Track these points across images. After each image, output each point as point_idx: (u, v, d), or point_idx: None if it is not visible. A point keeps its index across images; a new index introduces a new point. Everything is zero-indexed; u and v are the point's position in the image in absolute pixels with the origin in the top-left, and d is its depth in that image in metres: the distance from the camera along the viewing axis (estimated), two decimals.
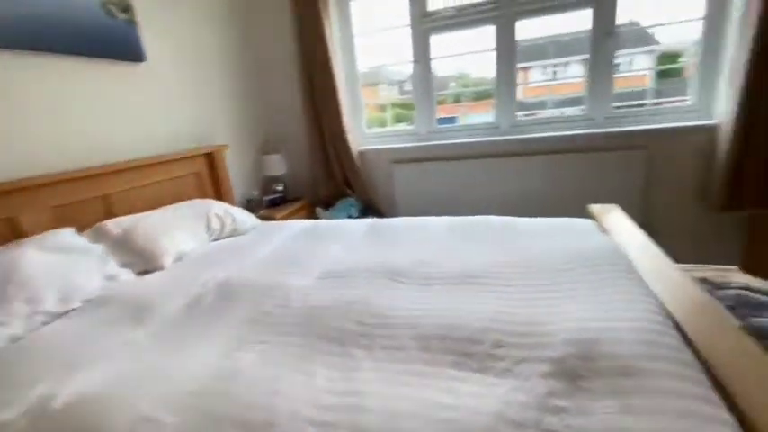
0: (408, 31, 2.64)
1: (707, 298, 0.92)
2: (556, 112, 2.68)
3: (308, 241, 1.59)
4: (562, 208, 2.43)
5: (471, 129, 2.74)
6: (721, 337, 0.74)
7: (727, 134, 2.02)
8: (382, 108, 3.18)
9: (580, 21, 2.37)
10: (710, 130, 2.14)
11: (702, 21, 2.16)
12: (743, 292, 1.10)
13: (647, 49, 2.61)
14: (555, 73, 2.84)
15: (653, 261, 1.11)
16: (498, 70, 2.56)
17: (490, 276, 1.08)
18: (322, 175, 2.89)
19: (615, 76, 2.38)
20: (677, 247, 2.30)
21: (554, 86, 2.93)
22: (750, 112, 1.93)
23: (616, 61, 2.38)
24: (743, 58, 1.90)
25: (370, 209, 2.83)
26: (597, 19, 2.30)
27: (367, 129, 3.00)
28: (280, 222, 1.94)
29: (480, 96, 2.87)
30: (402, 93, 3.25)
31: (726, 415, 0.55)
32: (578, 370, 0.67)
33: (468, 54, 2.73)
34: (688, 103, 2.31)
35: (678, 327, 0.76)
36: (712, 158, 2.15)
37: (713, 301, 0.91)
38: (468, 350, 0.78)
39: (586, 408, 0.60)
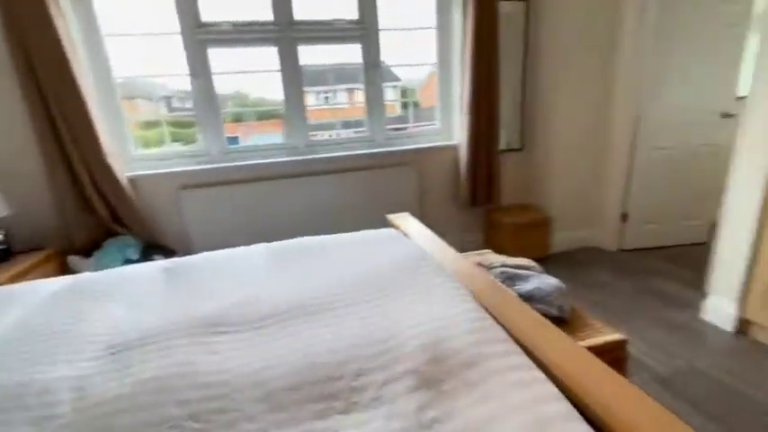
0: (178, 40, 2.32)
1: (492, 280, 1.17)
2: (343, 133, 2.91)
3: (70, 306, 1.13)
4: (359, 220, 2.67)
5: (266, 149, 2.65)
6: (512, 310, 0.95)
7: (464, 151, 2.69)
8: (148, 125, 2.66)
9: (353, 53, 2.67)
10: (454, 149, 2.81)
11: (436, 65, 2.81)
12: (503, 269, 1.46)
13: (392, 84, 3.19)
14: (327, 99, 3.09)
15: (448, 256, 1.35)
16: (287, 92, 2.57)
17: (327, 301, 1.04)
18: (75, 213, 2.17)
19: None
20: (447, 239, 2.90)
21: (338, 110, 3.18)
22: (475, 135, 2.63)
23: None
24: (466, 93, 2.57)
25: (154, 247, 2.31)
26: (365, 53, 2.65)
27: (135, 150, 2.44)
28: (7, 288, 1.31)
29: (263, 116, 2.83)
30: (171, 109, 2.81)
31: (541, 374, 0.70)
32: (436, 375, 0.72)
33: (251, 72, 2.64)
34: (437, 126, 2.96)
35: (486, 309, 0.94)
36: (458, 170, 2.82)
37: (497, 282, 1.17)
38: (329, 391, 0.72)
39: (453, 410, 0.64)
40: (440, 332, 0.84)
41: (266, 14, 2.44)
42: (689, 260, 2.59)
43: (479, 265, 1.53)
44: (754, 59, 1.79)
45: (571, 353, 0.77)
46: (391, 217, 1.91)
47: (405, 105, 3.17)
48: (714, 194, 2.36)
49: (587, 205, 2.93)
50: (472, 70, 2.50)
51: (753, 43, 2.45)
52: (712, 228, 2.25)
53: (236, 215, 2.49)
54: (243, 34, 2.43)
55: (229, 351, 0.88)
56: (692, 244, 2.84)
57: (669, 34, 2.47)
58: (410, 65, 2.94)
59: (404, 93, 3.27)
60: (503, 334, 0.82)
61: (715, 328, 1.89)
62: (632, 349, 1.76)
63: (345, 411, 0.68)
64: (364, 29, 2.60)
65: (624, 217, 2.82)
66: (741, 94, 2.53)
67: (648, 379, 1.59)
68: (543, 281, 1.37)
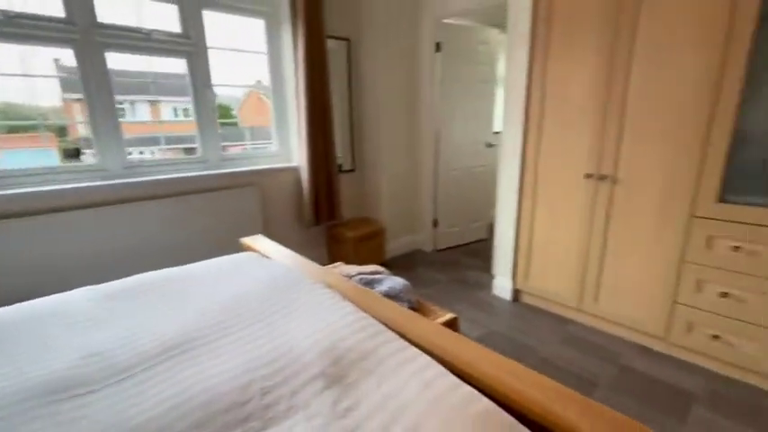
0: None
1: (356, 285, 1.34)
2: (169, 153, 2.62)
3: None
4: (201, 248, 2.47)
5: (71, 171, 2.15)
6: (381, 307, 1.14)
7: (305, 173, 2.83)
8: None
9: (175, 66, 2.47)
10: (295, 170, 2.91)
11: (269, 90, 2.88)
12: (360, 276, 1.66)
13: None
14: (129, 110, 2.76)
15: (313, 271, 1.45)
16: (91, 107, 2.16)
17: (205, 333, 0.99)
18: None
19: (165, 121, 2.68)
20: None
21: (156, 125, 2.83)
22: (315, 158, 2.81)
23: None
24: (303, 119, 2.73)
25: None
26: (193, 71, 2.49)
27: None
28: None
29: (13, 129, 2.29)
30: None
31: (418, 351, 0.90)
32: (339, 372, 0.82)
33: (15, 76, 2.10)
34: (274, 149, 3.00)
35: (364, 310, 1.09)
36: (299, 190, 2.93)
37: (361, 287, 1.35)
38: (241, 415, 0.72)
39: (360, 396, 0.76)
40: (332, 337, 0.94)
41: (55, 9, 2.01)
42: (481, 253, 3.44)
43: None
44: (501, 105, 2.58)
45: (433, 331, 1.00)
46: (245, 240, 1.87)
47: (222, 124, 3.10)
48: (489, 202, 3.23)
49: (409, 215, 3.50)
50: (307, 99, 2.68)
51: (499, 94, 3.50)
52: (490, 227, 3.08)
53: (40, 256, 1.93)
54: (19, 28, 1.93)
55: (105, 414, 0.75)
56: (480, 240, 3.76)
57: (451, 84, 3.26)
58: (235, 85, 2.89)
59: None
60: (381, 327, 0.99)
61: (501, 300, 2.60)
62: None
63: (265, 428, 0.71)
64: (191, 45, 2.44)
65: (435, 223, 3.50)
66: (497, 129, 3.56)
67: None
68: (394, 281, 1.63)
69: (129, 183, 2.24)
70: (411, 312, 1.10)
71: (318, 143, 2.80)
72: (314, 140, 2.77)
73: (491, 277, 2.76)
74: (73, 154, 2.89)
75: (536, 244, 2.37)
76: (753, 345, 1.67)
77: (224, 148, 2.74)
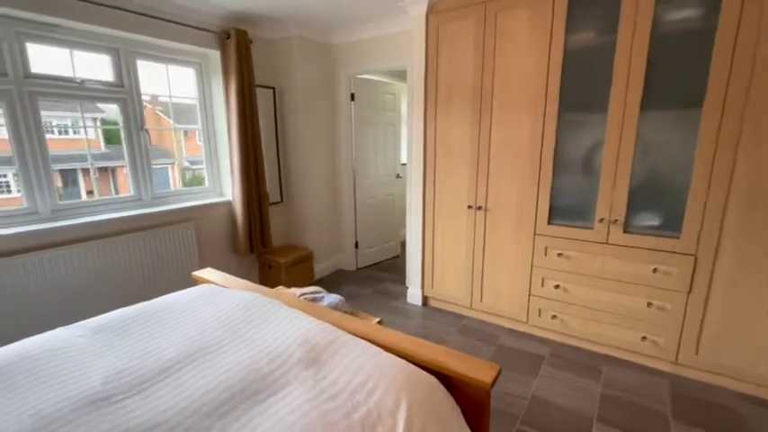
0: None
1: (309, 302, 1.77)
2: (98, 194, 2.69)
3: None
4: (142, 286, 2.60)
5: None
6: (331, 315, 1.59)
7: (239, 207, 3.12)
8: None
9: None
10: (228, 205, 3.17)
11: (201, 132, 3.13)
12: (304, 295, 2.08)
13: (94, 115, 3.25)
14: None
15: (272, 294, 1.83)
16: (20, 152, 2.22)
17: (207, 347, 1.32)
18: None
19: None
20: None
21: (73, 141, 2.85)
22: (246, 193, 3.12)
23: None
24: (236, 159, 3.04)
25: None
26: (126, 116, 2.65)
27: None
28: None
29: None
30: None
31: (365, 342, 1.38)
32: (315, 355, 1.25)
33: None
34: (206, 186, 3.22)
35: (320, 318, 1.53)
36: (233, 223, 3.20)
37: (314, 303, 1.77)
38: (254, 389, 1.12)
39: (331, 367, 1.21)
40: (306, 335, 1.37)
41: None
42: (396, 267, 4.04)
43: None
44: (406, 142, 3.24)
45: (370, 327, 1.49)
46: (197, 274, 2.14)
47: (109, 140, 3.21)
48: (400, 223, 3.88)
49: (333, 240, 3.96)
50: (240, 140, 3.01)
51: (403, 132, 4.20)
52: (402, 245, 3.70)
53: None
54: None
55: (142, 406, 1.07)
56: (393, 257, 4.38)
57: (364, 127, 3.86)
58: (171, 128, 3.08)
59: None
60: (333, 327, 1.45)
61: (414, 305, 3.20)
62: None
63: (273, 394, 1.11)
64: (125, 93, 2.61)
65: (357, 245, 4.01)
66: (403, 161, 4.26)
67: None
68: (332, 298, 2.08)
69: (59, 227, 2.30)
70: (352, 317, 1.58)
71: (251, 179, 3.13)
72: (246, 177, 3.09)
73: (405, 288, 3.35)
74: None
75: (437, 259, 3.03)
76: (576, 320, 2.50)
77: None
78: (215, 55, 2.98)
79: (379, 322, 2.02)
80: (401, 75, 3.89)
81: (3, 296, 2.07)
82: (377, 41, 3.35)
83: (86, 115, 2.55)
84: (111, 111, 2.86)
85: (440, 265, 3.03)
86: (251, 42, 3.02)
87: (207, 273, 2.16)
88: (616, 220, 2.24)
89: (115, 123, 2.93)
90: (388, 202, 4.27)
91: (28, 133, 2.23)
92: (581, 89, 2.29)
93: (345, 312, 1.99)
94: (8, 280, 2.08)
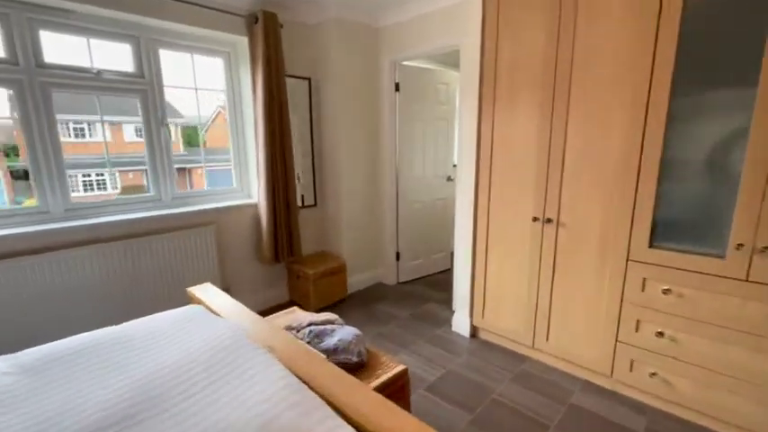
0: None
1: (300, 345, 1.33)
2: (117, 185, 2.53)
3: None
4: (154, 293, 2.38)
5: (8, 216, 2.03)
6: (319, 370, 1.13)
7: (263, 211, 2.80)
8: None
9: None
10: (254, 207, 2.88)
11: (230, 127, 2.87)
12: (311, 327, 1.64)
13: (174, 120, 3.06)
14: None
15: (258, 329, 1.42)
16: (31, 146, 2.08)
17: (141, 412, 0.94)
18: None
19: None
20: (250, 294, 2.89)
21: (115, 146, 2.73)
22: (272, 195, 2.79)
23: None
24: (261, 157, 2.72)
25: None
26: (145, 109, 2.44)
27: None
28: None
29: None
30: None
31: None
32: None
33: None
34: (234, 186, 2.96)
35: (304, 379, 1.08)
36: (259, 228, 2.89)
37: (305, 347, 1.33)
38: None
39: None
40: (267, 414, 0.92)
41: None
42: (443, 284, 3.48)
43: (289, 327, 1.66)
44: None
45: (370, 403, 1.00)
46: (192, 290, 1.81)
47: (189, 143, 3.06)
48: (450, 233, 3.31)
49: (372, 249, 3.51)
50: (266, 136, 2.68)
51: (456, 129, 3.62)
52: (452, 257, 3.14)
53: None
54: None
55: None
56: (443, 272, 3.82)
57: (410, 122, 3.36)
58: (199, 117, 2.87)
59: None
60: (318, 401, 0.98)
61: (459, 336, 2.63)
62: (412, 366, 2.25)
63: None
64: (145, 84, 2.41)
65: (398, 256, 3.53)
66: (456, 163, 3.68)
67: (423, 388, 2.07)
68: (345, 332, 1.62)
69: (71, 227, 2.14)
70: (352, 380, 1.10)
71: (277, 179, 2.79)
72: (272, 177, 2.77)
73: (451, 312, 2.79)
74: (22, 176, 2.73)
75: (490, 281, 2.44)
76: (685, 382, 1.77)
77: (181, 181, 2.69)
78: (243, 42, 2.70)
79: (404, 372, 1.52)
80: (457, 62, 3.33)
81: (5, 299, 1.92)
82: (426, 19, 2.85)
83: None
84: (192, 117, 2.76)
85: (494, 289, 2.43)
86: (281, 27, 2.69)
87: (202, 289, 1.82)
88: (766, 248, 1.49)
89: (195, 127, 2.85)
90: (437, 207, 3.72)
91: (39, 126, 2.08)
92: (709, 58, 1.58)
93: (358, 355, 1.51)
94: (12, 282, 1.93)
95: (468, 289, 2.56)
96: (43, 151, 2.11)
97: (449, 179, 3.76)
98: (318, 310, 2.97)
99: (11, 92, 2.01)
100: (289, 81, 2.87)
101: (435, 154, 3.62)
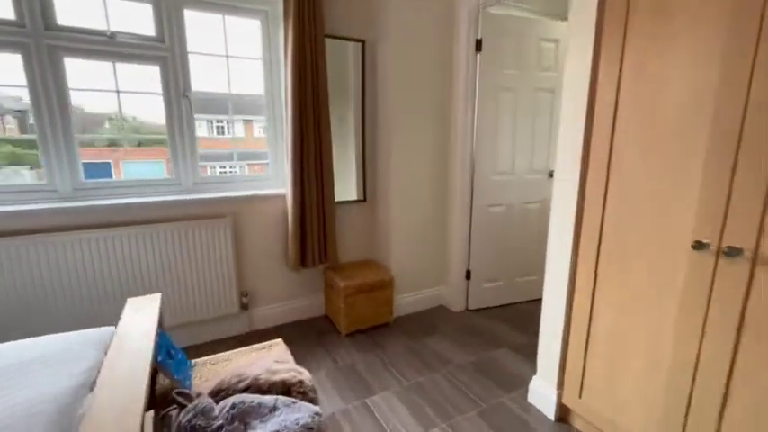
0: None
1: None
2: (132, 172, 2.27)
3: None
4: (153, 284, 2.05)
5: (13, 192, 1.90)
6: None
7: (290, 202, 2.26)
8: None
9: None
10: (284, 198, 2.37)
11: (265, 106, 2.41)
12: (242, 398, 1.00)
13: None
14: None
15: (119, 403, 0.83)
16: (39, 117, 1.89)
17: None
18: None
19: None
20: (273, 303, 2.39)
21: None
22: (300, 187, 2.24)
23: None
24: (289, 139, 2.18)
25: None
26: (166, 79, 2.12)
27: None
28: None
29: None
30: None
31: None
32: None
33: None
34: (268, 172, 2.50)
35: None
36: (285, 227, 2.38)
37: None
38: None
39: None
40: None
41: (5, 12, 1.79)
42: (527, 321, 2.50)
43: (219, 387, 1.05)
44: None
45: None
46: (133, 301, 1.34)
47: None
48: (544, 248, 2.30)
49: (433, 262, 2.72)
50: (294, 110, 2.14)
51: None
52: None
53: None
54: None
55: None
56: (532, 301, 2.80)
57: (495, 94, 2.46)
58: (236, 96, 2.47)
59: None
60: None
61: (539, 415, 1.68)
62: None
63: None
64: (165, 49, 2.09)
65: (468, 274, 2.66)
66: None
67: None
68: (292, 417, 0.93)
69: (77, 207, 1.91)
70: None
71: (309, 166, 2.24)
72: (301, 160, 2.22)
73: (532, 370, 1.86)
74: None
75: (599, 342, 1.45)
76: None
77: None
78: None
79: None
80: (566, 12, 2.30)
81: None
82: None
83: (235, 117, 2.36)
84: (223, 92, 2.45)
85: (605, 356, 1.44)
86: None
87: (137, 303, 1.33)
88: None
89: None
90: (529, 213, 2.73)
91: (46, 96, 1.89)
92: None
93: None
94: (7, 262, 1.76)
95: (558, 345, 1.61)
96: (50, 123, 1.91)
97: (551, 175, 2.72)
98: (349, 334, 2.33)
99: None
100: (334, 42, 2.29)
101: (532, 140, 2.63)
